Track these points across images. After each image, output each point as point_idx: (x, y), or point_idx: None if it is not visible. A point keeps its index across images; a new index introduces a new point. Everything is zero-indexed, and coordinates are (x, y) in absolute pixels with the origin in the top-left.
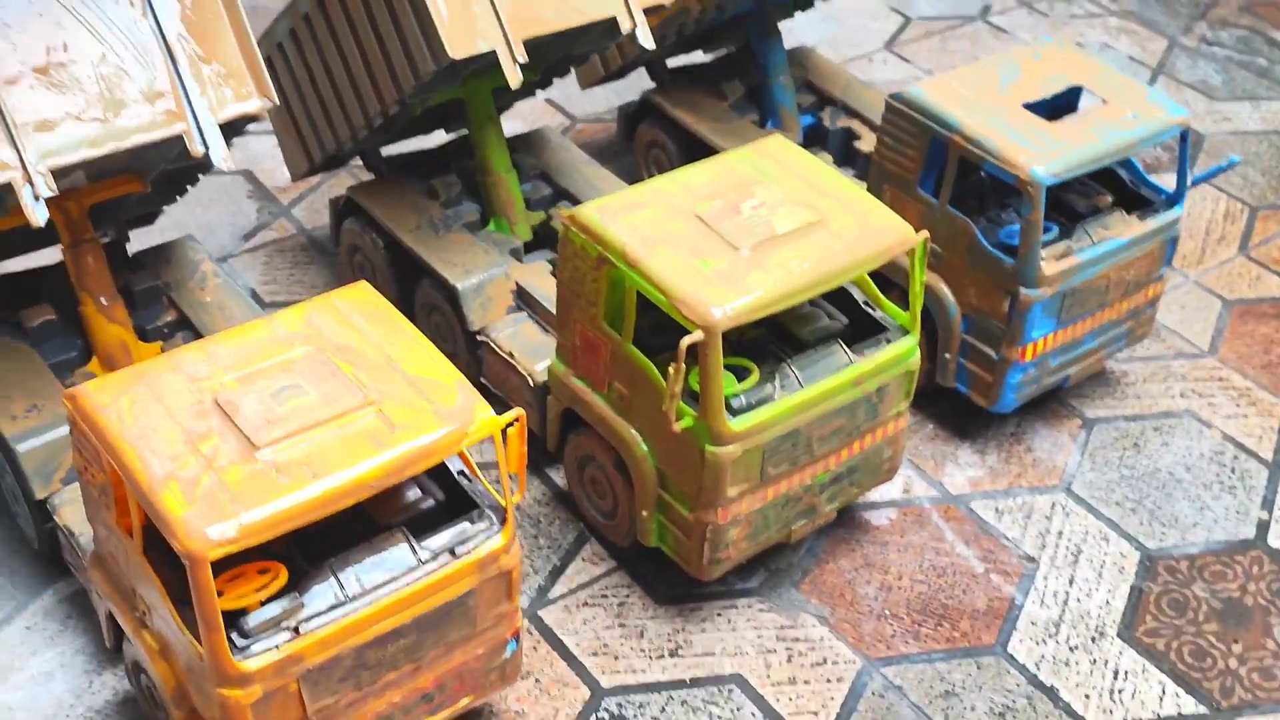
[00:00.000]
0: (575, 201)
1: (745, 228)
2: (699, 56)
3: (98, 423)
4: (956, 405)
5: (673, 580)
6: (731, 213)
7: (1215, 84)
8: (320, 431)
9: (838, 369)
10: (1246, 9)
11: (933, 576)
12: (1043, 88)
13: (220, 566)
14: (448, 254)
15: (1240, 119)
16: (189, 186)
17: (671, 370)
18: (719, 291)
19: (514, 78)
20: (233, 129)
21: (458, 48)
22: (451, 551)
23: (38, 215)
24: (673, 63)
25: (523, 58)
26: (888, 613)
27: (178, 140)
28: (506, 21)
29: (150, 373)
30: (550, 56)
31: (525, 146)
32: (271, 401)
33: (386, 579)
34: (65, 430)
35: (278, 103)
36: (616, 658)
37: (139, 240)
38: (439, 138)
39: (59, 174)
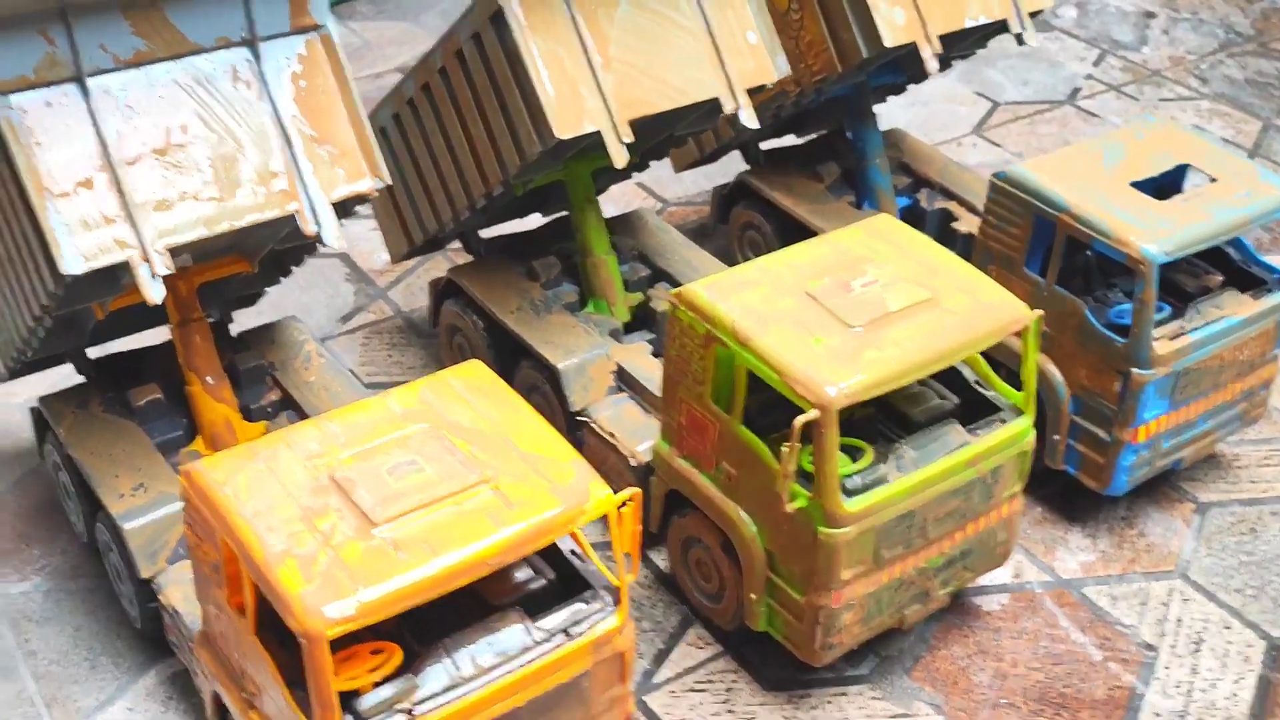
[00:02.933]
0: (674, 283)
1: (857, 305)
2: (791, 139)
3: (213, 500)
4: (1065, 487)
5: (780, 665)
6: (843, 290)
7: None
8: (437, 508)
9: (953, 449)
10: None
11: (1049, 664)
12: (1149, 166)
13: (333, 646)
14: (549, 335)
15: None
16: (294, 268)
17: (785, 450)
18: (834, 369)
19: (619, 158)
20: (343, 209)
21: (564, 128)
22: (566, 632)
23: (154, 293)
24: (766, 145)
25: (628, 138)
26: (1004, 701)
27: (290, 219)
28: (612, 102)
29: (265, 450)
30: (652, 138)
31: (623, 228)
32: (388, 478)
33: (501, 660)
34: (171, 509)
35: (390, 182)
36: None
37: (241, 322)
38: (534, 220)
39: (174, 253)
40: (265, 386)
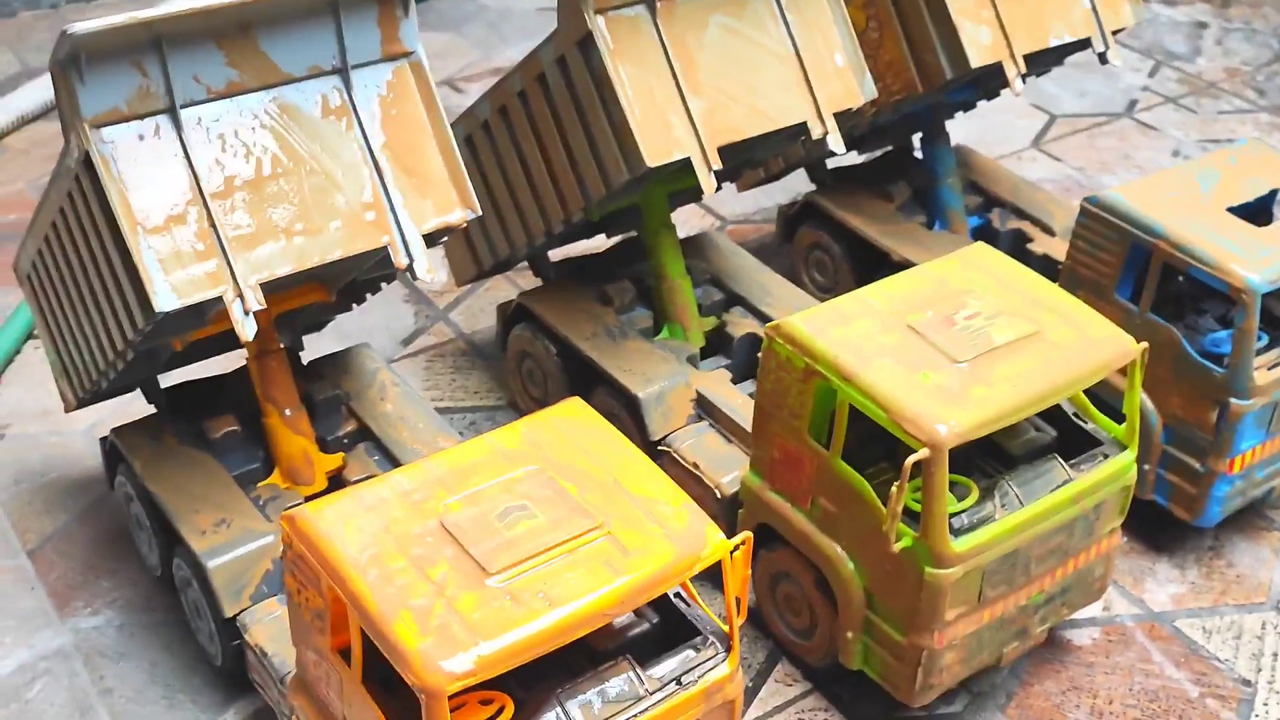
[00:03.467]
0: (749, 307)
1: (962, 340)
2: (853, 157)
3: (319, 547)
4: (1150, 518)
5: (872, 703)
6: (946, 324)
7: None
8: (552, 557)
9: (1057, 486)
10: None
11: (1144, 701)
12: (1244, 191)
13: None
14: (626, 361)
15: None
16: (369, 295)
17: (894, 490)
18: (943, 407)
19: (709, 186)
20: (430, 239)
21: (655, 156)
22: (678, 680)
23: (247, 330)
24: (832, 164)
25: (717, 165)
26: None
27: (378, 252)
28: (701, 129)
29: (368, 495)
30: (735, 161)
31: (694, 251)
32: (499, 524)
33: (614, 711)
34: (255, 546)
35: (480, 214)
36: None
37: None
38: (600, 242)
39: (264, 285)
40: (341, 417)
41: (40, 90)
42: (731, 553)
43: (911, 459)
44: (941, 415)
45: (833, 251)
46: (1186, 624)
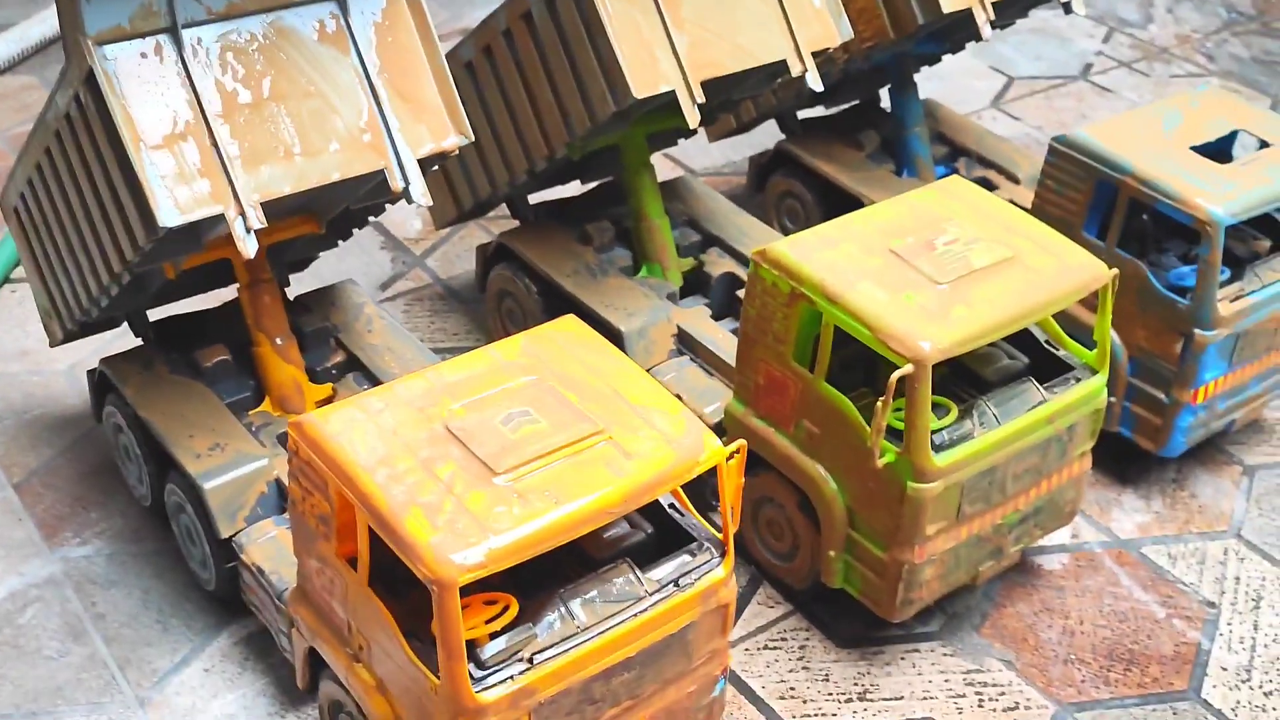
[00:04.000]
0: (726, 248)
1: (942, 263)
2: (821, 111)
3: (328, 450)
4: (1115, 450)
5: (852, 623)
6: (926, 249)
7: None
8: (556, 459)
9: (1032, 406)
10: None
11: (1114, 621)
12: (1206, 131)
13: None
14: (608, 298)
15: None
16: (355, 230)
17: (879, 405)
18: (925, 325)
19: (693, 118)
20: (424, 166)
21: (641, 88)
22: (676, 583)
23: (249, 248)
24: (801, 115)
25: (701, 99)
26: (1074, 657)
27: (373, 177)
28: (685, 63)
29: (373, 403)
30: (714, 100)
31: (671, 194)
32: (503, 428)
33: (615, 610)
34: (250, 468)
35: (472, 139)
36: (805, 701)
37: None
38: (574, 188)
39: (264, 207)
40: (329, 349)
41: (7, 44)
42: (727, 459)
43: (896, 374)
44: (924, 333)
45: (804, 199)
46: (1152, 550)
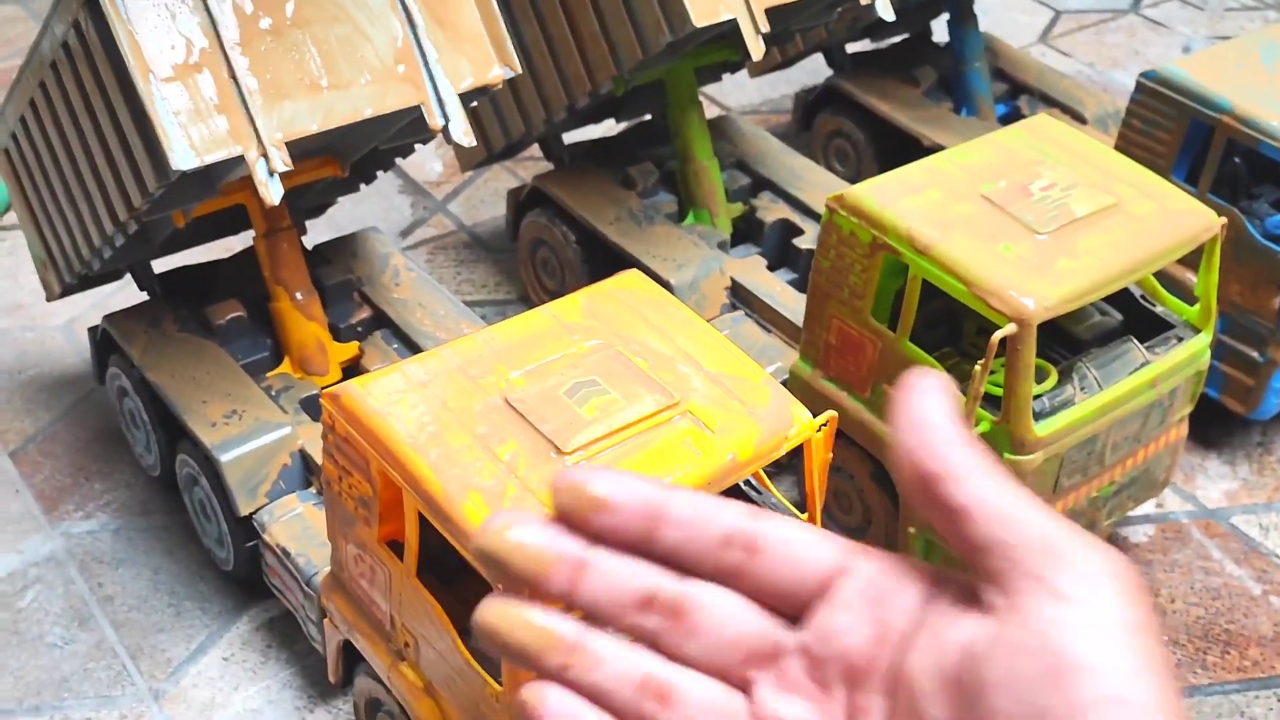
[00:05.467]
0: (778, 192)
1: (1040, 211)
2: (868, 45)
3: (370, 426)
4: (1196, 413)
5: None
6: (1021, 195)
7: None
8: (630, 436)
9: (1135, 368)
10: None
11: (1207, 599)
12: None
13: None
14: (655, 247)
15: None
16: (379, 173)
17: (977, 368)
18: (1029, 280)
19: (757, 49)
20: (464, 102)
21: (702, 15)
22: None
23: (273, 193)
24: (850, 49)
25: (766, 28)
26: (1167, 639)
27: (408, 113)
28: None
29: (419, 371)
30: (771, 31)
31: (717, 134)
32: (569, 401)
33: None
34: (271, 438)
35: (519, 71)
36: None
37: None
38: (608, 128)
39: (287, 147)
40: (353, 304)
41: None
42: (816, 431)
43: (997, 335)
44: (1027, 288)
45: (855, 139)
46: (1242, 520)
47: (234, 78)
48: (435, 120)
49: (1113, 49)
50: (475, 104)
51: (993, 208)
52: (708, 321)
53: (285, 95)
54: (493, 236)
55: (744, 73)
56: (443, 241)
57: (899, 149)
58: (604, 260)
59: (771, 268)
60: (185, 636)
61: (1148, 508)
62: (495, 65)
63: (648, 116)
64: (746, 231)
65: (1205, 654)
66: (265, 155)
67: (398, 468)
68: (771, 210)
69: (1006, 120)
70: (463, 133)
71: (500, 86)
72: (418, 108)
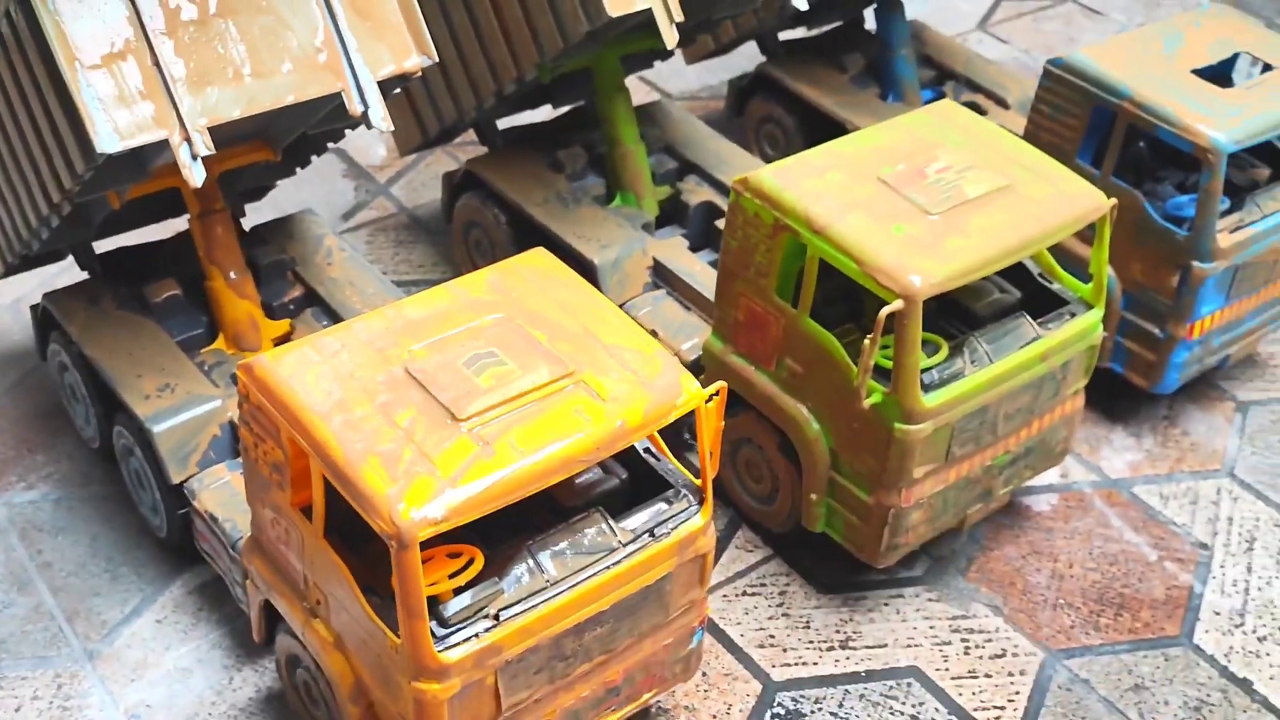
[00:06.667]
0: (704, 175)
1: (934, 192)
2: (803, 32)
3: (280, 395)
4: (1106, 387)
5: (833, 567)
6: (917, 177)
7: None
8: (524, 404)
9: (1025, 343)
10: None
11: (1104, 564)
12: (1208, 54)
13: None
14: (580, 228)
15: None
16: (314, 157)
17: (867, 342)
18: (916, 258)
19: (671, 37)
20: (385, 89)
21: (617, 5)
22: (651, 533)
23: (196, 176)
24: (782, 36)
25: (680, 17)
26: (1063, 602)
27: (330, 100)
28: None
29: (330, 343)
30: (693, 20)
31: (647, 119)
32: (467, 371)
33: (587, 562)
34: (202, 410)
35: (436, 60)
36: (785, 650)
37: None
38: (545, 112)
39: (211, 133)
40: (287, 282)
41: None
42: (706, 402)
43: (885, 310)
44: (915, 266)
45: (785, 124)
46: (1144, 490)
47: (158, 65)
48: (355, 106)
49: (1049, 36)
50: (398, 91)
51: (889, 190)
52: (630, 299)
53: (209, 82)
54: (432, 218)
55: (681, 59)
56: (383, 223)
57: (827, 134)
58: (534, 241)
59: (696, 248)
60: (120, 600)
61: (1052, 477)
62: (414, 54)
63: (581, 102)
64: (673, 213)
65: (1099, 616)
66: (189, 140)
67: (304, 434)
68: (696, 193)
69: None
70: (381, 118)
71: (420, 75)
72: (338, 94)
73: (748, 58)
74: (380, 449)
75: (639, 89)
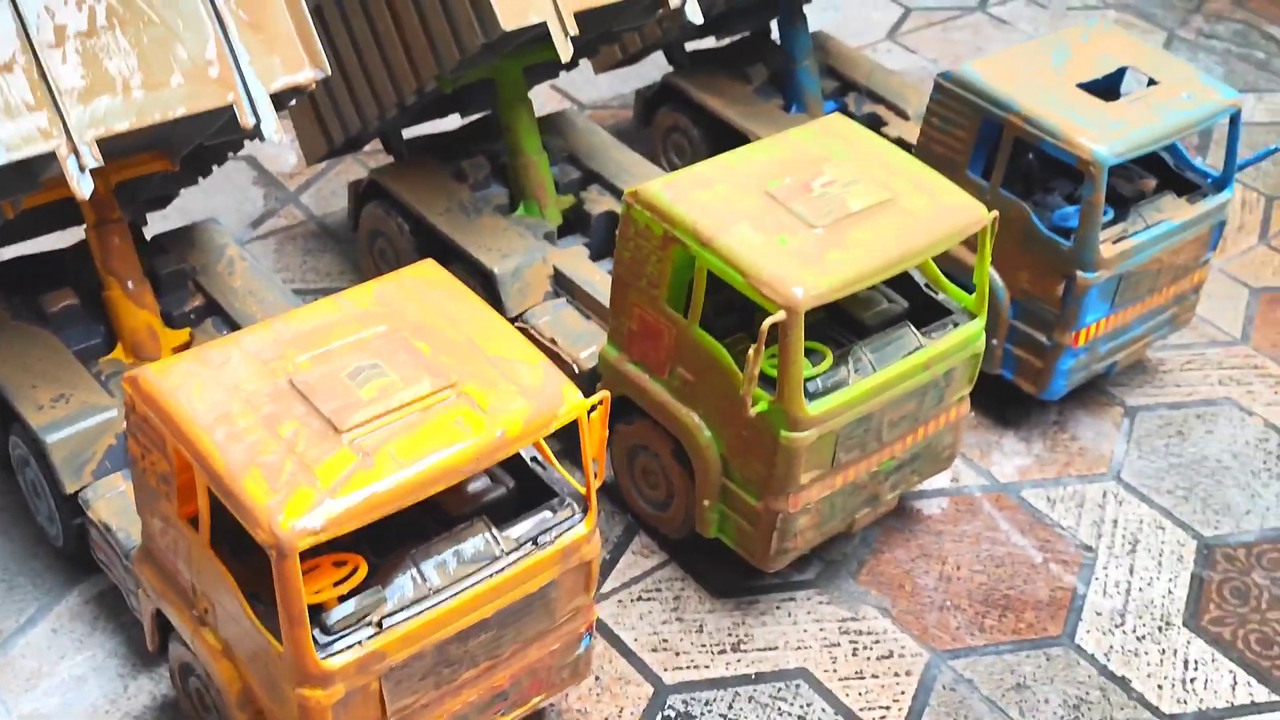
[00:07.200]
0: (606, 185)
1: (819, 205)
2: (711, 42)
3: (164, 406)
4: (998, 393)
5: (727, 572)
6: (803, 190)
7: (1217, 76)
8: (404, 415)
9: (909, 352)
10: (1239, 3)
11: (991, 566)
12: (1094, 68)
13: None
14: (481, 238)
15: (1246, 111)
16: (215, 167)
17: (750, 353)
18: (799, 270)
19: (565, 51)
20: (278, 102)
21: (510, 19)
22: (534, 541)
23: (83, 188)
24: (690, 46)
25: (574, 30)
26: (950, 604)
27: (222, 112)
28: None
29: (215, 355)
30: (592, 32)
31: (551, 129)
32: (350, 383)
33: (470, 570)
34: (97, 420)
35: (329, 73)
36: (677, 653)
37: (151, 227)
38: (454, 121)
39: (102, 145)
40: (187, 292)
41: None
42: (589, 412)
43: (768, 321)
44: (798, 278)
45: (691, 134)
46: (1032, 494)
47: (45, 77)
48: (246, 119)
49: (957, 45)
50: (293, 103)
51: (774, 203)
52: (531, 307)
53: (97, 94)
54: (341, 226)
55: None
56: (292, 231)
57: (732, 144)
58: (437, 250)
59: (598, 257)
60: (16, 610)
61: (943, 481)
62: (307, 67)
63: (488, 112)
64: (576, 222)
65: (984, 617)
66: (76, 152)
67: (187, 446)
68: (599, 203)
69: None
70: (274, 131)
71: (314, 87)
72: (230, 107)
73: (660, 67)
74: (262, 460)
75: (551, 97)
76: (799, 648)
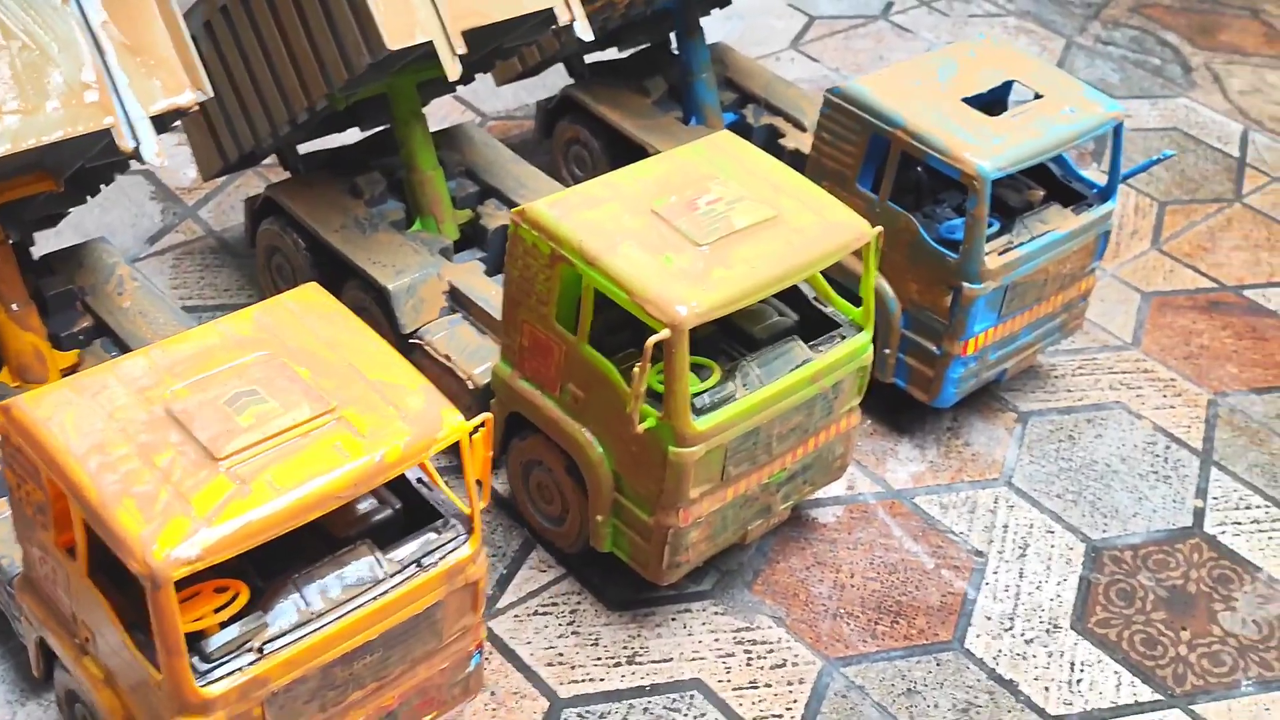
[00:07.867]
0: (503, 199)
1: (704, 224)
2: (614, 53)
3: (38, 436)
4: (893, 401)
5: (623, 585)
6: (689, 209)
7: (1113, 82)
8: (282, 441)
9: (796, 366)
10: (1136, 10)
11: (884, 573)
12: (980, 82)
13: (176, 586)
14: (376, 254)
15: (1141, 116)
16: (102, 186)
17: (636, 370)
18: (683, 289)
19: (453, 70)
20: (160, 124)
21: (395, 38)
22: (418, 563)
23: None
24: (590, 59)
25: (461, 49)
26: (843, 611)
27: (102, 135)
28: (444, 12)
29: (91, 383)
30: (482, 49)
31: (448, 143)
32: (228, 410)
33: (353, 594)
34: None
35: (211, 95)
36: (573, 667)
37: (41, 245)
38: (353, 135)
39: None
40: (76, 313)
41: None
42: (471, 434)
43: (652, 339)
44: (682, 296)
45: (591, 146)
46: (925, 500)
47: None
48: (125, 143)
49: (859, 54)
50: (176, 124)
51: (661, 221)
52: (426, 324)
53: None
54: (239, 242)
55: (495, 81)
56: (190, 247)
57: (632, 157)
58: (333, 267)
59: (495, 272)
60: None
61: (838, 490)
62: (187, 90)
63: (388, 125)
64: (474, 237)
65: (876, 624)
66: None
67: (60, 477)
68: (496, 217)
69: (734, 128)
70: (153, 154)
71: (196, 109)
72: (108, 131)
73: (564, 77)
74: (136, 490)
75: (454, 109)
76: (694, 658)
